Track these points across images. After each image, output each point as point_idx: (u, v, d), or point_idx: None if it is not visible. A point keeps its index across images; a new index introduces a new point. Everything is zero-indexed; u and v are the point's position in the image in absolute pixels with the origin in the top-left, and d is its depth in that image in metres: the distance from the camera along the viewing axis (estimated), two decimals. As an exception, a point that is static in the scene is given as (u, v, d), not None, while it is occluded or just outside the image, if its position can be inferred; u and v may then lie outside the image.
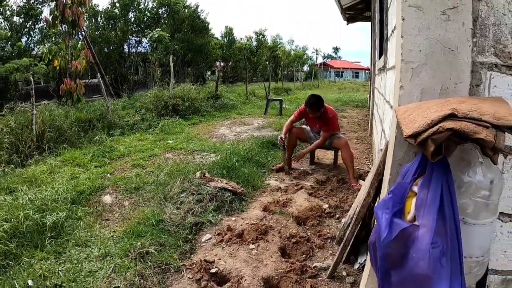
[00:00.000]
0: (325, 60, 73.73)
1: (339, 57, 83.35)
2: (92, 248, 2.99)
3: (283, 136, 5.11)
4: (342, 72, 64.93)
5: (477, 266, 1.34)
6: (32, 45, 14.31)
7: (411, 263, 1.17)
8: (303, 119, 5.45)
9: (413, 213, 1.23)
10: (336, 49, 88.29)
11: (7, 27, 13.24)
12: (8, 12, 13.57)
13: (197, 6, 23.21)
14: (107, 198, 4.13)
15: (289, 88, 23.75)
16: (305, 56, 48.69)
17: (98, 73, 10.12)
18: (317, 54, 66.55)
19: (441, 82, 1.51)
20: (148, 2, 20.81)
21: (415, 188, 1.25)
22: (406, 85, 1.53)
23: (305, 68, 50.98)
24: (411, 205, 1.25)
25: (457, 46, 1.49)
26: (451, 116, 1.12)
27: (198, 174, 4.26)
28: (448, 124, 1.08)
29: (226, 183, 4.10)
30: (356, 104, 14.39)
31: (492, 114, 1.09)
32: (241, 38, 32.23)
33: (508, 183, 1.60)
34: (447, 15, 1.47)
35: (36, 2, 14.25)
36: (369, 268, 1.73)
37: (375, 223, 1.48)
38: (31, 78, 7.36)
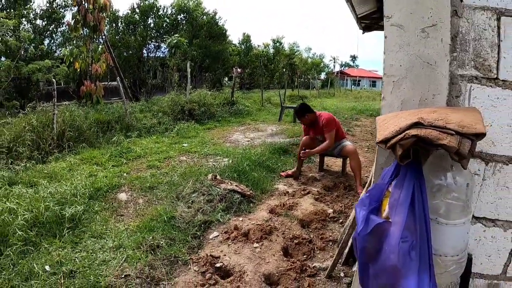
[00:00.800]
0: (342, 68, 73.45)
1: (357, 65, 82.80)
2: (106, 240, 3.20)
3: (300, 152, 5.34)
4: (359, 80, 64.53)
5: (454, 264, 1.45)
6: (54, 47, 14.81)
7: (384, 256, 1.30)
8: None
9: (387, 211, 1.37)
10: (353, 58, 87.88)
11: (31, 30, 13.72)
12: (31, 15, 14.08)
13: (215, 13, 23.57)
14: (123, 196, 4.34)
15: (305, 95, 23.82)
16: (322, 64, 48.76)
17: (118, 77, 10.44)
18: (334, 62, 66.43)
19: (420, 94, 1.64)
20: (167, 9, 21.29)
21: (391, 189, 1.40)
22: (387, 97, 1.67)
23: (322, 76, 51.00)
24: (387, 204, 1.40)
25: (436, 60, 1.62)
26: (418, 124, 1.26)
27: (209, 176, 4.45)
28: (414, 131, 1.22)
29: (236, 186, 4.28)
30: (371, 113, 14.37)
31: (457, 123, 1.22)
32: (258, 45, 32.50)
33: (489, 189, 1.71)
34: (426, 32, 1.61)
35: (58, 6, 14.76)
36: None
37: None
38: (54, 80, 7.69)
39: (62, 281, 2.57)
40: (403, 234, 1.26)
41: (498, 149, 1.68)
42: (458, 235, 1.41)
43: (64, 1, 14.72)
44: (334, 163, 6.09)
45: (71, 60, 10.23)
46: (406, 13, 1.61)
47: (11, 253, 2.85)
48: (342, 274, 2.79)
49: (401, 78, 1.65)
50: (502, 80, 1.64)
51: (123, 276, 2.65)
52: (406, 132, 1.23)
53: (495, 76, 1.64)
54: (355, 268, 2.82)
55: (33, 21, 14.22)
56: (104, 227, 3.50)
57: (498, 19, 1.61)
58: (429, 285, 1.25)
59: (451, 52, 1.64)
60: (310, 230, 3.56)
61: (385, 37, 1.63)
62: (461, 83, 1.66)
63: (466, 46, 1.65)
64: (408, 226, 1.26)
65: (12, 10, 12.67)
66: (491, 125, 1.65)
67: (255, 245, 3.16)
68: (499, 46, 1.63)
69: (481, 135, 1.23)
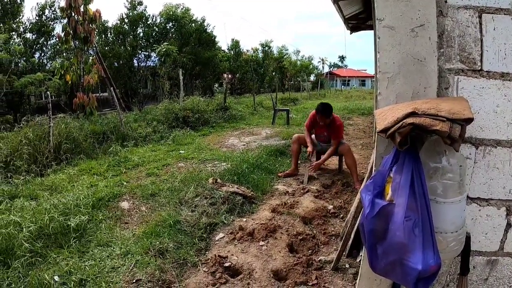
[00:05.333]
0: (331, 69, 73.84)
1: (345, 65, 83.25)
2: (113, 248, 3.24)
3: (310, 148, 5.45)
4: (349, 80, 65.08)
5: (454, 241, 1.58)
6: (45, 60, 14.81)
7: (390, 234, 1.43)
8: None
9: (390, 194, 1.49)
10: (342, 58, 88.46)
11: (21, 43, 13.70)
12: (21, 29, 14.07)
13: (204, 20, 23.67)
14: (125, 204, 4.38)
15: (296, 98, 23.93)
16: (311, 66, 49.00)
17: (111, 87, 10.47)
18: (323, 63, 66.73)
19: (412, 87, 1.78)
20: (156, 17, 21.37)
21: (392, 174, 1.52)
22: (383, 92, 1.81)
23: (312, 78, 51.26)
24: (389, 188, 1.52)
25: (425, 57, 1.76)
26: (413, 114, 1.40)
27: (210, 180, 4.53)
28: (410, 120, 1.37)
29: (237, 188, 4.36)
30: (362, 112, 14.56)
31: (447, 110, 1.37)
32: (247, 50, 32.58)
33: (481, 171, 1.86)
34: (415, 32, 1.75)
35: (48, 19, 14.78)
36: (364, 251, 1.97)
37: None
38: (48, 93, 7.70)
39: (73, 289, 2.61)
40: (407, 213, 1.39)
41: (486, 134, 1.83)
42: (455, 212, 1.55)
43: (54, 14, 14.76)
44: (330, 162, 6.18)
45: (62, 72, 10.22)
46: (397, 15, 1.76)
47: (19, 266, 2.87)
48: (347, 266, 2.89)
49: (394, 74, 1.79)
50: (486, 71, 1.80)
51: (134, 281, 2.71)
52: (403, 121, 1.38)
53: (480, 68, 1.80)
54: (359, 259, 2.91)
55: (23, 35, 14.21)
56: (110, 235, 3.53)
57: (480, 16, 1.78)
58: (434, 258, 1.37)
59: (439, 48, 1.80)
60: (313, 226, 3.66)
61: (378, 37, 1.77)
62: (449, 76, 1.82)
63: (452, 42, 1.80)
64: (410, 206, 1.40)
65: (1, 24, 12.66)
66: (478, 112, 1.80)
67: (261, 243, 3.24)
68: (481, 40, 1.79)
69: (469, 120, 1.38)
